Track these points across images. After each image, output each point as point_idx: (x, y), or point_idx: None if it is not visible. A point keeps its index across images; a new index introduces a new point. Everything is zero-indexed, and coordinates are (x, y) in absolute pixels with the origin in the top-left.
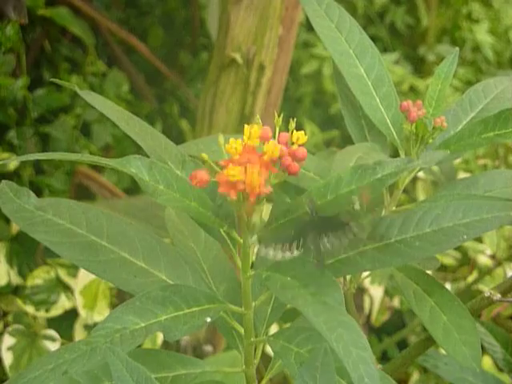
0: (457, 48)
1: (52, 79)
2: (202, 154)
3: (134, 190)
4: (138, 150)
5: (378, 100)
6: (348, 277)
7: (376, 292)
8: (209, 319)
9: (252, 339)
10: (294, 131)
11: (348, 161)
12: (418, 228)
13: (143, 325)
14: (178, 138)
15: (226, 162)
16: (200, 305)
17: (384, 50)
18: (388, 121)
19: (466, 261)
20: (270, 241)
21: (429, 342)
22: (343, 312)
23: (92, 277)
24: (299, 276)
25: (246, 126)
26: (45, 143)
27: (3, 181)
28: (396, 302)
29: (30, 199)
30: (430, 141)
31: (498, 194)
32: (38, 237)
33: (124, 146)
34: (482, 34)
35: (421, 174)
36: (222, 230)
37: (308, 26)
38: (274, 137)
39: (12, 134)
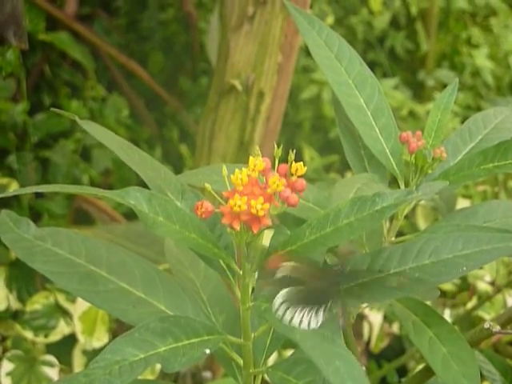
0: (456, 79)
1: (52, 108)
2: (206, 184)
3: (133, 214)
4: (138, 175)
5: (377, 130)
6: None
7: (375, 318)
8: (208, 351)
9: (251, 370)
10: (293, 162)
11: (347, 192)
12: (417, 260)
13: (142, 356)
14: (177, 162)
15: (229, 193)
16: (199, 336)
17: (383, 74)
18: (387, 151)
19: (466, 287)
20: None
21: (428, 372)
22: (341, 345)
23: None
24: None
25: (250, 157)
26: (45, 168)
27: (3, 210)
28: (395, 328)
29: (30, 229)
30: (430, 171)
31: (497, 224)
32: (37, 266)
33: (124, 170)
34: (481, 59)
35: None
36: (221, 261)
37: (307, 51)
38: (273, 167)
39: (12, 159)
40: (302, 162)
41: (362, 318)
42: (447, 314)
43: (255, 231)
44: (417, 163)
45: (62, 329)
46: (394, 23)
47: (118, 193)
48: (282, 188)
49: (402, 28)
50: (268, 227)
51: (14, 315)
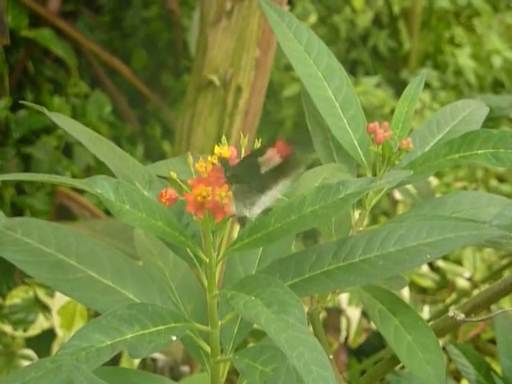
0: (424, 71)
1: (21, 101)
2: (171, 172)
3: None
4: None
5: (345, 122)
6: (316, 296)
7: (353, 313)
8: (174, 338)
9: (218, 357)
10: None
11: (314, 181)
12: (382, 247)
13: (109, 343)
14: (159, 159)
15: (194, 182)
16: (166, 323)
17: (366, 73)
18: (355, 142)
19: (445, 284)
20: None
21: (394, 360)
22: (305, 331)
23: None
24: (263, 295)
25: (216, 146)
26: (27, 164)
27: None
28: (373, 324)
29: (0, 219)
30: (397, 162)
31: (464, 214)
32: (7, 256)
33: (105, 167)
34: (464, 58)
35: (400, 197)
36: (188, 250)
37: None
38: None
39: None
40: None
41: (339, 313)
42: (426, 311)
43: (219, 219)
44: (384, 154)
45: (41, 323)
46: (377, 22)
47: (86, 181)
48: None
49: (384, 27)
50: (232, 215)
51: None
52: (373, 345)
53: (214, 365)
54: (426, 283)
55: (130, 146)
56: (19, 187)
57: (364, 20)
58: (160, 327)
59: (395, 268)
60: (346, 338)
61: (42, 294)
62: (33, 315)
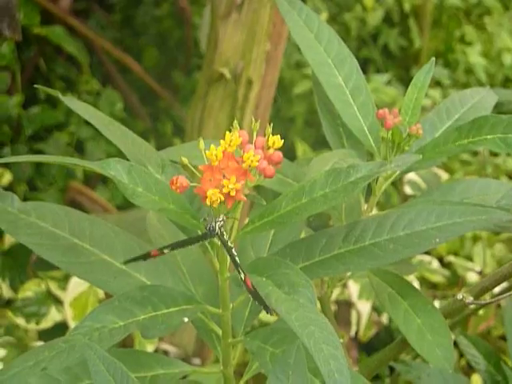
0: (433, 58)
1: (36, 85)
2: (183, 158)
3: (127, 206)
4: None
5: (355, 108)
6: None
7: (364, 307)
8: (186, 319)
9: (229, 340)
10: (270, 136)
11: (324, 166)
12: (392, 231)
13: (122, 324)
14: None
15: (205, 168)
16: (178, 305)
17: (377, 71)
18: (365, 128)
19: (456, 280)
20: None
21: (403, 344)
22: (315, 311)
23: (81, 289)
24: (274, 276)
25: (226, 132)
26: None
27: None
28: (384, 319)
29: (14, 202)
30: (406, 148)
31: (473, 201)
32: (21, 239)
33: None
34: (474, 56)
35: (410, 192)
36: (200, 232)
37: None
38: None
39: (6, 151)
40: (278, 136)
41: (350, 306)
42: (436, 306)
43: (229, 206)
44: (393, 139)
45: (53, 316)
46: (388, 20)
47: (99, 163)
48: (256, 163)
49: (395, 25)
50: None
51: (7, 303)
52: (383, 340)
53: (225, 347)
54: (437, 279)
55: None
56: (32, 183)
57: (374, 18)
58: (172, 309)
59: (405, 251)
60: (356, 333)
61: (54, 287)
62: (45, 308)
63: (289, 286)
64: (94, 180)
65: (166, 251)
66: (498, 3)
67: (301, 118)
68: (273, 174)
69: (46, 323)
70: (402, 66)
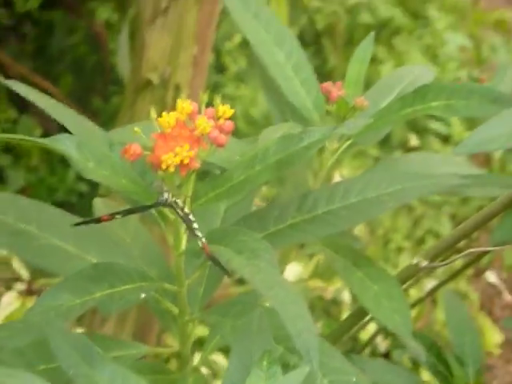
0: (372, 33)
1: None
2: (135, 128)
3: None
4: (52, 192)
5: (298, 85)
6: None
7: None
8: (143, 295)
9: (186, 317)
10: (220, 106)
11: (274, 135)
12: (344, 199)
13: (78, 301)
14: (92, 182)
15: (157, 136)
16: (134, 282)
17: None
18: (310, 104)
19: None
20: None
21: (361, 312)
22: (278, 273)
23: (14, 306)
24: (233, 244)
25: (178, 100)
26: None
27: None
28: None
29: None
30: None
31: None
32: None
33: (42, 187)
34: (386, 74)
35: None
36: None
37: (217, 68)
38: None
39: None
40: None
41: None
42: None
43: (183, 174)
44: (339, 112)
45: None
46: (301, 39)
47: (48, 140)
48: (209, 129)
49: (309, 44)
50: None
51: None
52: None
53: (182, 325)
54: None
55: (64, 168)
56: None
57: None
58: (128, 286)
59: (358, 217)
60: None
61: None
62: None
63: (249, 251)
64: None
65: (118, 216)
66: (409, 20)
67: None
68: (225, 142)
69: None
70: None
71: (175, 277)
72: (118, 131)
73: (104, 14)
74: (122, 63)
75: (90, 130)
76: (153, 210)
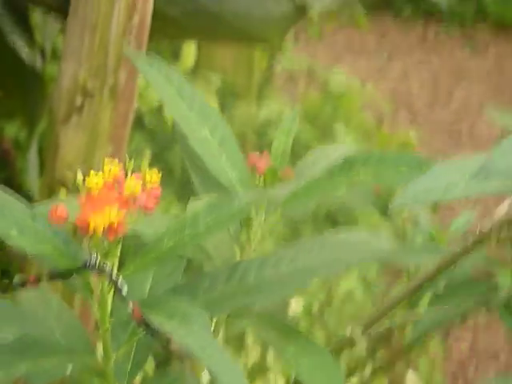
0: (296, 107)
1: None
2: (62, 189)
3: None
4: None
5: (223, 160)
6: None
7: None
8: (69, 370)
9: None
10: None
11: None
12: (276, 267)
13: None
14: None
15: (85, 199)
16: (58, 356)
17: None
18: (234, 179)
19: None
20: None
21: None
22: (211, 337)
23: None
24: (164, 310)
25: (105, 160)
26: None
27: None
28: None
29: None
30: None
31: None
32: None
33: None
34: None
35: None
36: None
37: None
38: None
39: None
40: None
41: None
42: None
43: (111, 239)
44: (266, 184)
45: None
46: None
47: None
48: (138, 191)
49: None
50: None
51: None
52: None
53: None
54: None
55: None
56: None
57: None
58: (52, 359)
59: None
60: None
61: None
62: None
63: (181, 316)
64: None
65: (44, 279)
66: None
67: None
68: (153, 206)
69: None
70: None
71: (103, 352)
72: (39, 207)
73: (11, 130)
74: (32, 181)
75: (11, 202)
76: (76, 281)
